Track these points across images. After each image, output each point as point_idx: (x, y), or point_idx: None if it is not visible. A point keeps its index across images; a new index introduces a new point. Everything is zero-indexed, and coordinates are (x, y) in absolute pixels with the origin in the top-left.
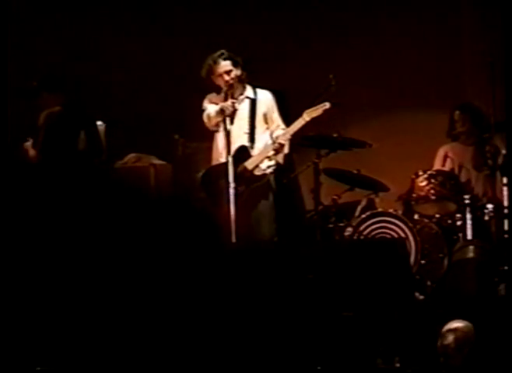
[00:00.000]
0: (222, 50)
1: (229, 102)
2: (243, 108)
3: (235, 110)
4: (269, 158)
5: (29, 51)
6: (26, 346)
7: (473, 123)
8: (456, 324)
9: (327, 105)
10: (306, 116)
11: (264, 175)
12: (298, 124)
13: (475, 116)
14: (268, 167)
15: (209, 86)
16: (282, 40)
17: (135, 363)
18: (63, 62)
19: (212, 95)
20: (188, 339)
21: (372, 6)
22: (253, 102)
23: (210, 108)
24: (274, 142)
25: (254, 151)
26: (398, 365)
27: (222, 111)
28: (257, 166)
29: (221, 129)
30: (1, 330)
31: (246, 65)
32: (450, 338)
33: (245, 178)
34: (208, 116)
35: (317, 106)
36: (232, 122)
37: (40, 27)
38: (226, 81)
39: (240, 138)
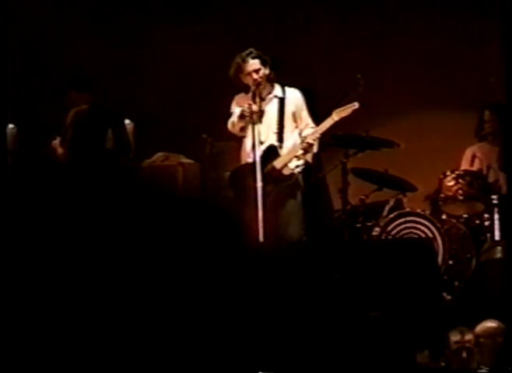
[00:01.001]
0: (251, 49)
1: (246, 104)
2: (272, 107)
3: (260, 111)
4: (298, 157)
5: (57, 50)
6: (26, 348)
7: (501, 122)
8: (491, 324)
9: (356, 105)
10: (336, 116)
11: (293, 174)
12: (327, 124)
13: (503, 116)
14: (297, 166)
15: (237, 85)
16: (311, 38)
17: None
18: (92, 61)
19: (240, 96)
20: (214, 339)
21: (401, 5)
22: (281, 101)
23: (237, 112)
24: (302, 141)
25: (283, 151)
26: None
27: (242, 116)
28: (285, 165)
29: (249, 130)
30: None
31: (274, 64)
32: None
33: (273, 177)
34: (233, 124)
35: (347, 106)
36: (260, 121)
37: (69, 26)
38: (255, 80)
39: (268, 138)
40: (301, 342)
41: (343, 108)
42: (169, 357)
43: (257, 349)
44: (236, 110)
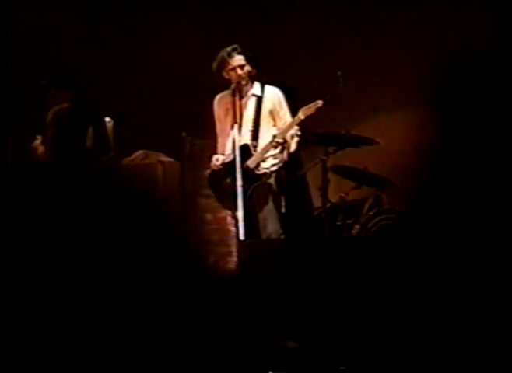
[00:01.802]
0: (236, 45)
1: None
2: (250, 105)
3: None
4: (274, 156)
5: (37, 48)
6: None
7: None
8: None
9: (319, 103)
10: (302, 115)
11: (265, 173)
12: (294, 122)
13: None
14: (272, 165)
15: (218, 82)
16: (294, 36)
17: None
18: (72, 59)
19: (222, 95)
20: (209, 341)
21: (386, 4)
22: (259, 100)
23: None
24: (272, 141)
25: (257, 150)
26: None
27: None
28: (258, 165)
29: (227, 127)
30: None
31: (257, 62)
32: None
33: (247, 176)
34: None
35: (311, 105)
36: (241, 118)
37: (49, 23)
38: (239, 75)
39: (245, 136)
40: (273, 337)
41: (307, 106)
42: (164, 358)
43: (254, 349)
44: (214, 159)
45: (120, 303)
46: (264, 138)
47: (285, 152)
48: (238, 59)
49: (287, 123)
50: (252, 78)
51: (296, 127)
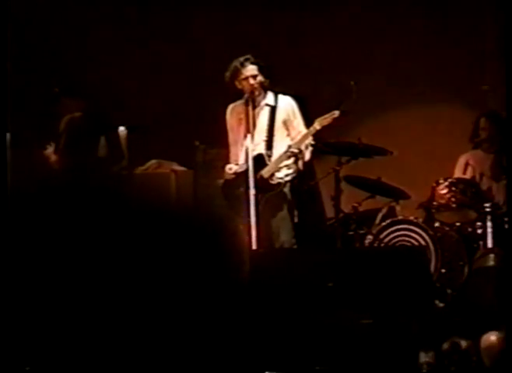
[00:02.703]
0: (249, 55)
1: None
2: (263, 115)
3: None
4: (288, 166)
5: (51, 58)
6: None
7: (497, 130)
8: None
9: (336, 113)
10: (317, 125)
11: (280, 183)
12: (309, 133)
13: (499, 125)
14: (287, 175)
15: (232, 91)
16: (305, 45)
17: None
18: (85, 68)
19: (235, 105)
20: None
21: (394, 11)
22: (272, 110)
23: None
24: (286, 150)
25: (272, 159)
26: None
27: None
28: (272, 175)
29: (240, 137)
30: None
31: (270, 72)
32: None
33: (261, 186)
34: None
35: (327, 115)
36: (254, 128)
37: (61, 32)
38: (251, 85)
39: (258, 145)
40: (292, 345)
41: (324, 117)
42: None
43: (258, 352)
44: (227, 168)
45: (131, 311)
46: (278, 148)
47: (300, 162)
48: (251, 69)
49: (302, 134)
50: (265, 88)
51: (311, 137)
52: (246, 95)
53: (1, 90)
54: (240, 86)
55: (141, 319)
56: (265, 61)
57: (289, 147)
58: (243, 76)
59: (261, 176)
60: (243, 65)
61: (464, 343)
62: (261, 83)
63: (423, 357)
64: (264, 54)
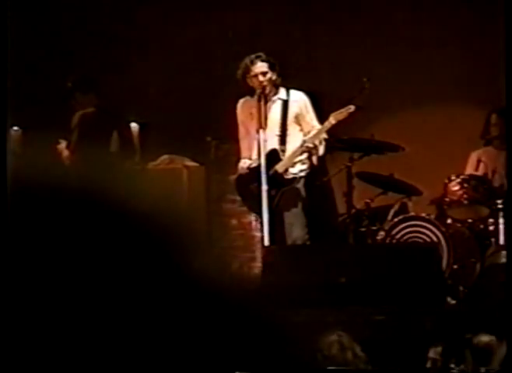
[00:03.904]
0: (260, 53)
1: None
2: (276, 110)
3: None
4: (302, 161)
5: (64, 53)
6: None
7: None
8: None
9: (352, 108)
10: (333, 119)
11: (295, 178)
12: (324, 128)
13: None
14: (301, 171)
15: (244, 88)
16: (317, 41)
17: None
18: (97, 63)
19: (245, 100)
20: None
21: (406, 7)
22: (285, 104)
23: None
24: (302, 145)
25: (286, 154)
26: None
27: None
28: (287, 170)
29: (252, 132)
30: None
31: (281, 70)
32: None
33: (275, 181)
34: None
35: (342, 110)
36: (265, 123)
37: (75, 28)
38: (261, 83)
39: (271, 140)
40: (291, 340)
41: (339, 111)
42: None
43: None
44: (242, 163)
45: (139, 309)
46: (292, 143)
47: (314, 158)
48: (260, 66)
49: (317, 128)
50: (276, 86)
51: (325, 133)
52: (257, 92)
53: (2, 88)
54: (251, 83)
55: (147, 315)
56: (277, 58)
57: (304, 141)
58: (253, 73)
59: (276, 171)
60: (253, 63)
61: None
62: (271, 80)
63: (432, 354)
64: (276, 50)
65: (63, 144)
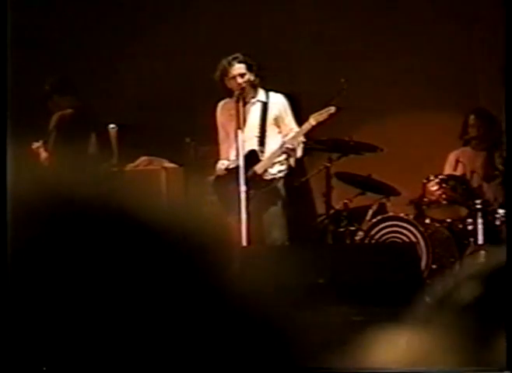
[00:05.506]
0: (238, 54)
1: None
2: (255, 111)
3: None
4: (280, 162)
5: (41, 55)
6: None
7: (486, 128)
8: None
9: (332, 109)
10: (313, 121)
11: (274, 179)
12: (305, 129)
13: (488, 122)
14: (280, 171)
15: (222, 90)
16: (295, 42)
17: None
18: (75, 65)
19: (224, 102)
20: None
21: (387, 8)
22: (264, 106)
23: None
24: (281, 146)
25: (265, 155)
26: None
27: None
28: (266, 170)
29: (231, 133)
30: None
31: (260, 71)
32: None
33: (254, 182)
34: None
35: (322, 111)
36: (244, 124)
37: (53, 29)
38: (239, 84)
39: (250, 142)
40: (277, 342)
41: (319, 113)
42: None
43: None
44: (220, 164)
45: (123, 306)
46: (270, 144)
47: (292, 159)
48: (238, 68)
49: (297, 130)
50: (254, 86)
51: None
52: (236, 93)
53: (1, 89)
54: (229, 85)
55: (131, 314)
56: (255, 59)
57: (284, 143)
58: (230, 75)
59: (255, 172)
60: (230, 64)
61: None
62: (249, 81)
63: None
64: (255, 51)
65: (41, 146)
